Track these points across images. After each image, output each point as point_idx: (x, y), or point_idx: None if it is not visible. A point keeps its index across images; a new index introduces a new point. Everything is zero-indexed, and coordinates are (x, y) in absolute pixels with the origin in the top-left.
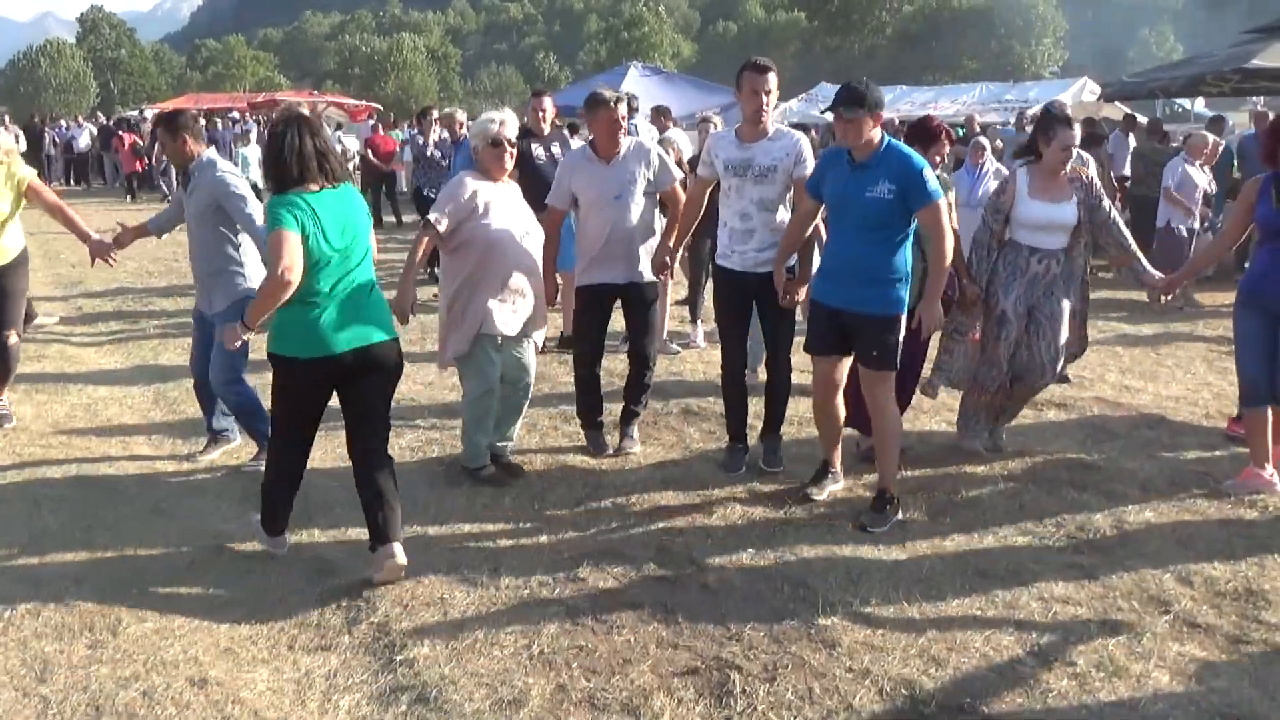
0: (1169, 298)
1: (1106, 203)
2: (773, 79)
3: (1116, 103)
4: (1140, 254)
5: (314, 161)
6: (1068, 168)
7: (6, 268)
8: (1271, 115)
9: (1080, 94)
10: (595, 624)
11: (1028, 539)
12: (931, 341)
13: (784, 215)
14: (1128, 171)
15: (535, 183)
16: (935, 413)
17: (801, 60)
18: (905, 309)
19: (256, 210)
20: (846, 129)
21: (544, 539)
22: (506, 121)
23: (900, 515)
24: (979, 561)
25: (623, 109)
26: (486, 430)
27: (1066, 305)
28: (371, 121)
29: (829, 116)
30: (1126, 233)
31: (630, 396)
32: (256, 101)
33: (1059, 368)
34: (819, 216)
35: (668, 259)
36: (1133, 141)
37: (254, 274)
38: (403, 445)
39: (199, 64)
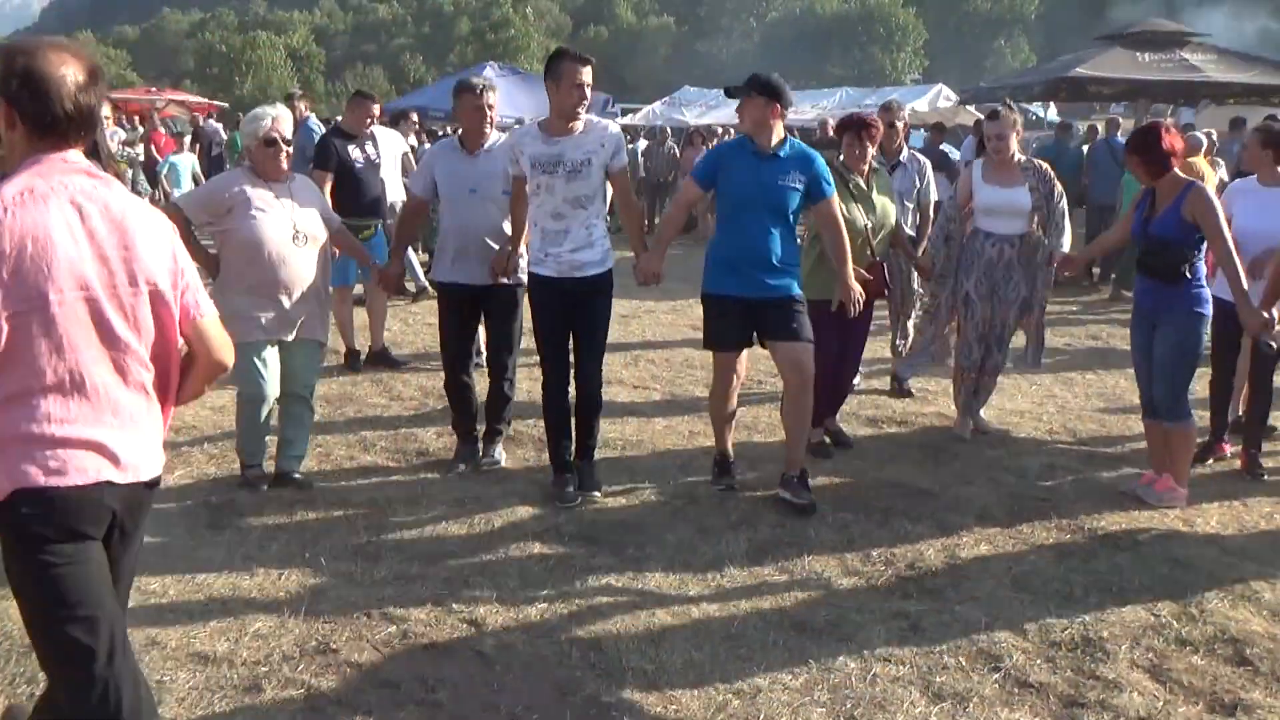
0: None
1: (1059, 193)
2: (591, 72)
3: (968, 107)
4: (1063, 238)
5: None
6: (1014, 155)
7: None
8: (1124, 123)
9: (936, 100)
10: (339, 713)
11: (854, 580)
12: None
13: (598, 208)
14: None
15: (352, 183)
16: (771, 430)
17: (671, 64)
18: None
19: None
20: (748, 111)
21: (303, 595)
22: (280, 118)
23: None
24: (798, 612)
25: (490, 97)
26: (258, 438)
27: (1024, 291)
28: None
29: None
30: (1063, 222)
31: (490, 413)
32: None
33: (1002, 363)
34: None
35: (505, 263)
36: None
37: None
38: (177, 475)
39: None
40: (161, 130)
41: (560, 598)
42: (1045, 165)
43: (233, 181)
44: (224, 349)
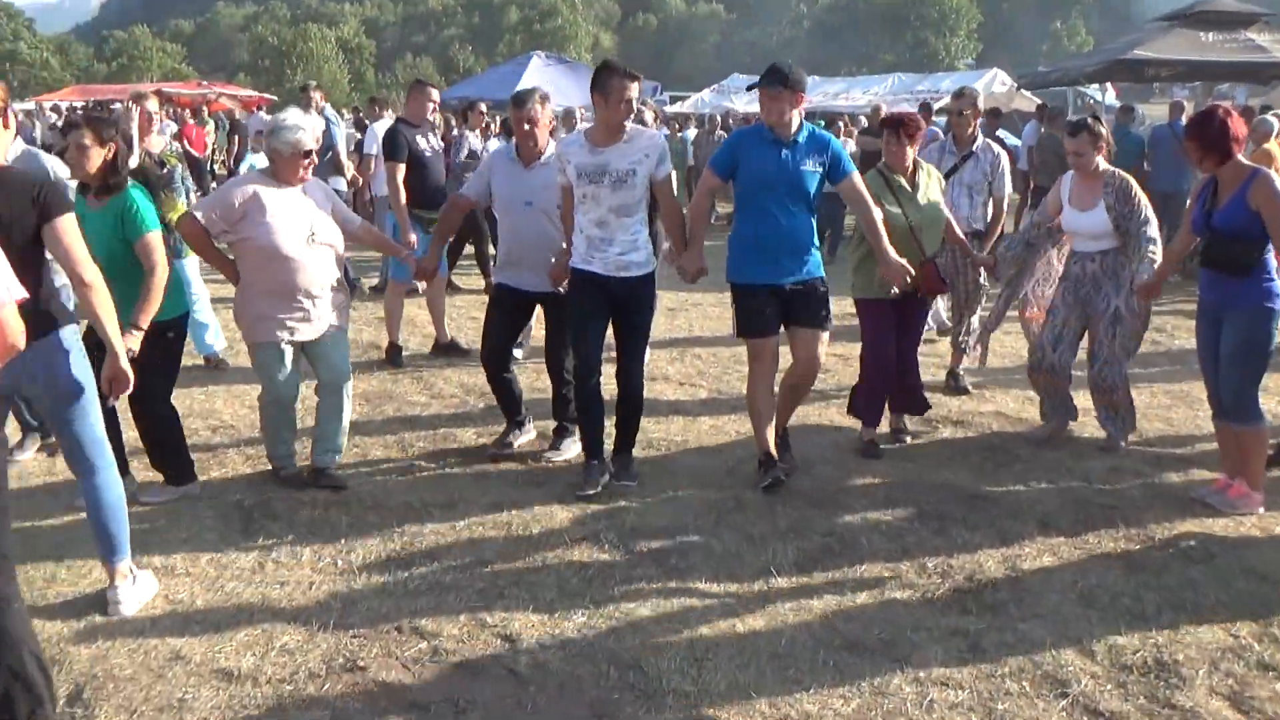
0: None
1: (1142, 213)
2: (638, 86)
3: (1025, 92)
4: (1145, 263)
5: None
6: (1097, 168)
7: None
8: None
9: (991, 84)
10: None
11: (908, 594)
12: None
13: (643, 216)
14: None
15: (422, 173)
16: (822, 432)
17: (719, 52)
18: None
19: None
20: (772, 105)
21: (334, 606)
22: (309, 130)
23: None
24: (849, 629)
25: (536, 111)
26: (284, 440)
27: (1116, 304)
28: (261, 112)
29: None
30: (1150, 246)
31: (556, 413)
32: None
33: (1119, 374)
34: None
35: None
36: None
37: None
38: (212, 475)
39: (106, 56)
40: (192, 124)
41: (599, 611)
42: (1129, 181)
43: (246, 186)
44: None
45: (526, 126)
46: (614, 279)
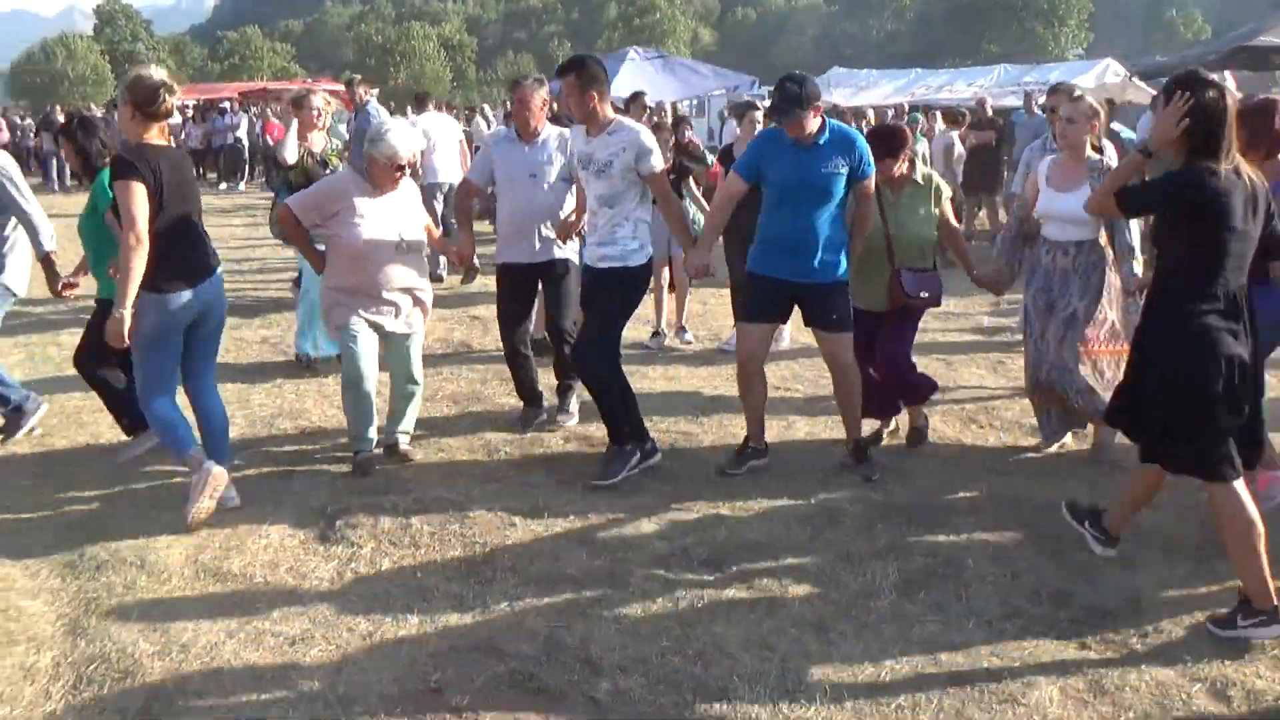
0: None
1: None
2: (575, 81)
3: (1137, 81)
4: (1133, 259)
5: None
6: (1083, 149)
7: None
8: None
9: (1104, 75)
10: None
11: (1019, 624)
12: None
13: (628, 209)
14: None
15: None
16: (915, 452)
17: (820, 45)
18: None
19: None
20: (793, 127)
21: (410, 622)
22: (408, 145)
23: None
24: (955, 662)
25: (527, 92)
26: (365, 423)
27: (1076, 308)
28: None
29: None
30: (1131, 239)
31: (559, 372)
32: (248, 91)
33: (1071, 377)
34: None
35: (569, 229)
36: None
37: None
38: (297, 477)
39: (219, 56)
40: (274, 121)
41: (685, 635)
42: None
43: (341, 186)
44: None
45: (519, 106)
46: (597, 268)
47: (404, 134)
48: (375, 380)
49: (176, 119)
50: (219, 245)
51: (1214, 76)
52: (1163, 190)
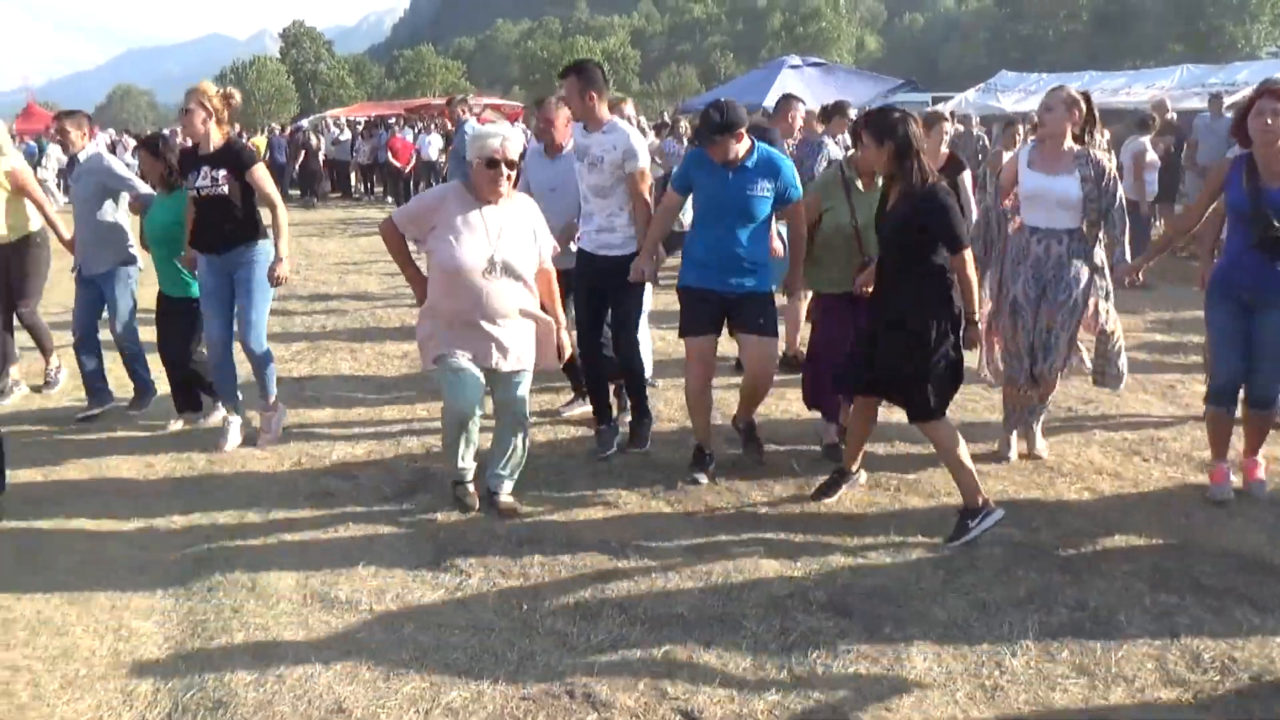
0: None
1: (1117, 197)
2: (575, 85)
3: None
4: (1126, 244)
5: None
6: (1064, 139)
7: (9, 247)
8: None
9: None
10: None
11: (1177, 693)
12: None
13: (620, 201)
14: None
15: None
16: (1077, 477)
17: (990, 49)
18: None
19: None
20: (715, 150)
21: (509, 659)
22: (509, 139)
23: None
24: None
25: (551, 111)
26: (461, 456)
27: (1076, 295)
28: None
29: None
30: (1121, 222)
31: (569, 373)
32: (413, 107)
33: (1070, 362)
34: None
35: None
36: None
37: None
38: (414, 501)
39: (395, 74)
40: (399, 135)
41: (797, 687)
42: (1102, 157)
43: (442, 198)
44: None
45: (543, 125)
46: (596, 255)
47: (501, 130)
48: (478, 418)
49: (346, 135)
50: (375, 257)
51: None
52: None
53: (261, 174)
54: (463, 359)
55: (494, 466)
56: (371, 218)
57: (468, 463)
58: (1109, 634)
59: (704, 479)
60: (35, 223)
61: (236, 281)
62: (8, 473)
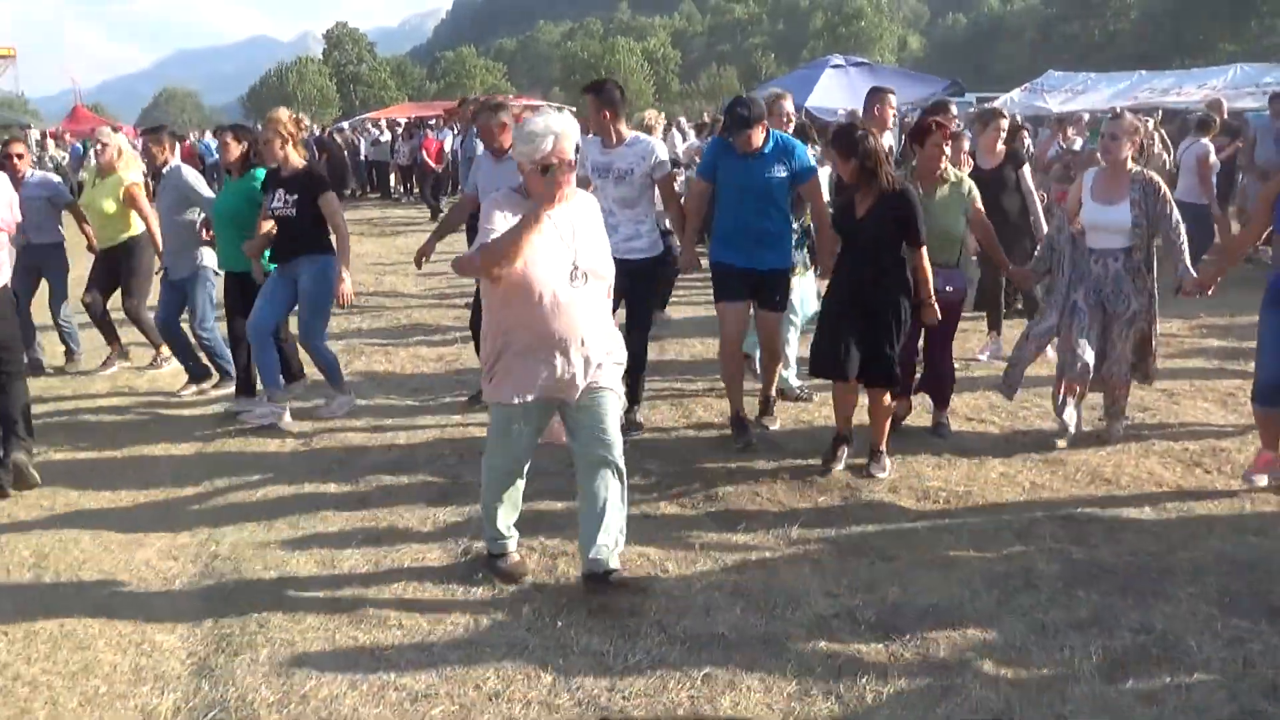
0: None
1: (1174, 216)
2: (596, 103)
3: None
4: (1188, 261)
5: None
6: (1125, 162)
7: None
8: None
9: None
10: None
11: None
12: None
13: (644, 209)
14: None
15: None
16: (1137, 484)
17: (1037, 49)
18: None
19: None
20: (741, 141)
21: (542, 679)
22: (563, 135)
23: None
24: None
25: (490, 120)
26: (499, 515)
27: (1135, 308)
28: None
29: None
30: (1179, 241)
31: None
32: (451, 107)
33: (1125, 372)
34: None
35: None
36: None
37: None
38: (449, 511)
39: (436, 75)
40: (431, 136)
41: (845, 715)
42: (1159, 182)
43: (499, 213)
44: None
45: (485, 135)
46: (626, 260)
47: (550, 123)
48: (525, 467)
49: (386, 136)
50: (412, 257)
51: None
52: None
53: (330, 199)
54: (533, 408)
55: (591, 539)
56: (410, 218)
57: (509, 530)
58: (1177, 661)
59: (748, 440)
60: (138, 227)
61: (300, 288)
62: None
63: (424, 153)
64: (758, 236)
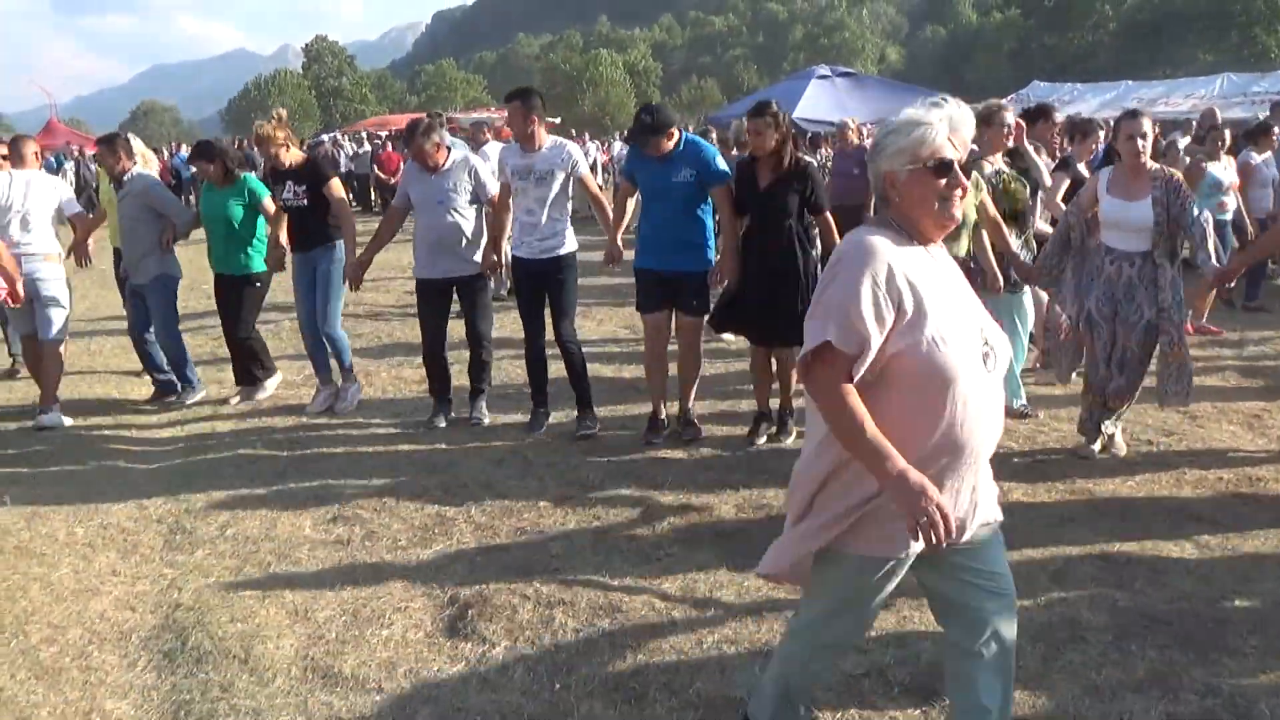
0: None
1: (1193, 211)
2: (519, 108)
3: None
4: (1213, 252)
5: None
6: (1146, 161)
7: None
8: None
9: None
10: None
11: None
12: None
13: (564, 208)
14: None
15: None
16: (1170, 525)
17: (1016, 60)
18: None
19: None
20: (647, 150)
21: None
22: (959, 119)
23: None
24: None
25: (422, 141)
26: (802, 690)
27: (1149, 317)
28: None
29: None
30: (1202, 237)
31: (473, 375)
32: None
33: (1133, 384)
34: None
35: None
36: None
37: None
38: (436, 548)
39: (416, 88)
40: (390, 149)
41: None
42: (1178, 176)
43: (874, 257)
44: None
45: (418, 154)
46: (537, 260)
47: (950, 108)
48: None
49: (366, 148)
50: (391, 272)
51: None
52: None
53: (333, 186)
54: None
55: None
56: None
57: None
58: None
59: (658, 441)
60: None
61: (318, 274)
62: None
63: (375, 166)
64: (671, 240)
